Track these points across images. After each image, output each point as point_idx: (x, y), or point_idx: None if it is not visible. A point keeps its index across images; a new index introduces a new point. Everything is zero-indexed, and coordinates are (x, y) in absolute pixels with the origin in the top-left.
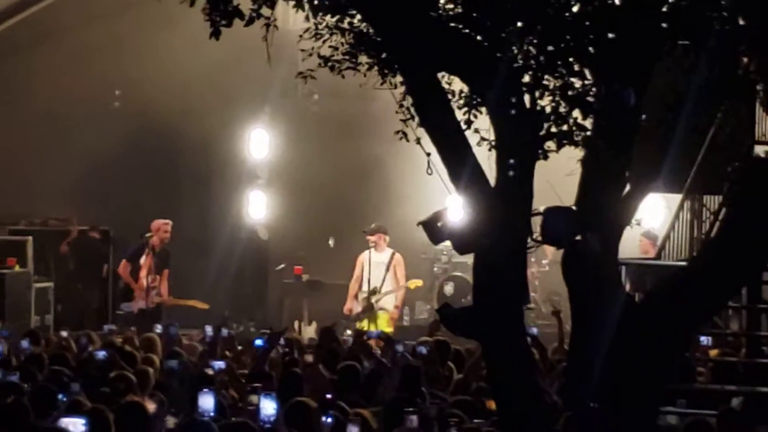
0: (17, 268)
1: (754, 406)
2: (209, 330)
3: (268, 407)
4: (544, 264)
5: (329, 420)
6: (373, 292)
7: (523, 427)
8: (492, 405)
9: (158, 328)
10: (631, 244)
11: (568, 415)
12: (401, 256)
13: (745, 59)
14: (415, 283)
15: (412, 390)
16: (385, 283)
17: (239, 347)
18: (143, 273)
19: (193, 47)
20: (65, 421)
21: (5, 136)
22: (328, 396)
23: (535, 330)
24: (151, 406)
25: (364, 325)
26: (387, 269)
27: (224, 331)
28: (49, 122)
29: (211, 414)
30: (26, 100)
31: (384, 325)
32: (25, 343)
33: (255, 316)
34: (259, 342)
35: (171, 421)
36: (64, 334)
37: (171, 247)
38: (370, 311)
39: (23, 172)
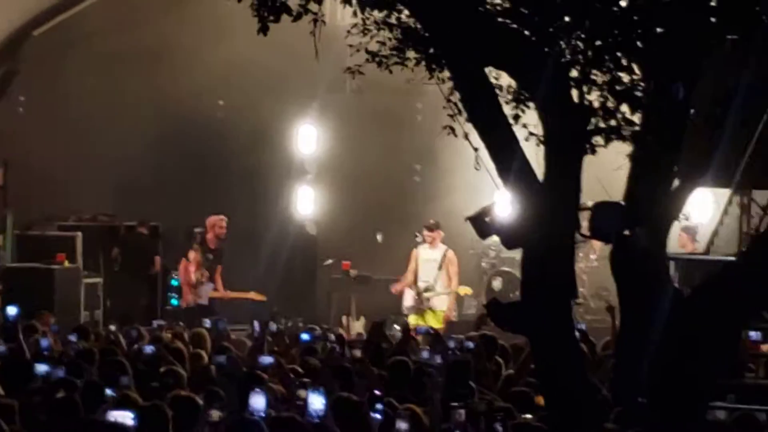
0: (66, 264)
1: None
2: (257, 325)
3: (317, 402)
4: (593, 259)
5: (378, 415)
6: (426, 289)
7: (573, 423)
8: (541, 400)
9: (207, 323)
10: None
11: (618, 411)
12: (454, 254)
13: None
14: (465, 290)
15: (460, 385)
16: (437, 281)
17: (287, 342)
18: (192, 268)
19: (241, 43)
20: (114, 415)
21: (55, 135)
22: (377, 392)
23: (583, 325)
24: (201, 402)
25: (415, 321)
26: (440, 267)
27: (272, 326)
28: (99, 120)
29: (262, 414)
30: (77, 99)
31: (434, 321)
32: (73, 338)
33: (303, 312)
34: (305, 336)
35: (216, 415)
36: (113, 328)
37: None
38: (421, 308)
39: (72, 169)
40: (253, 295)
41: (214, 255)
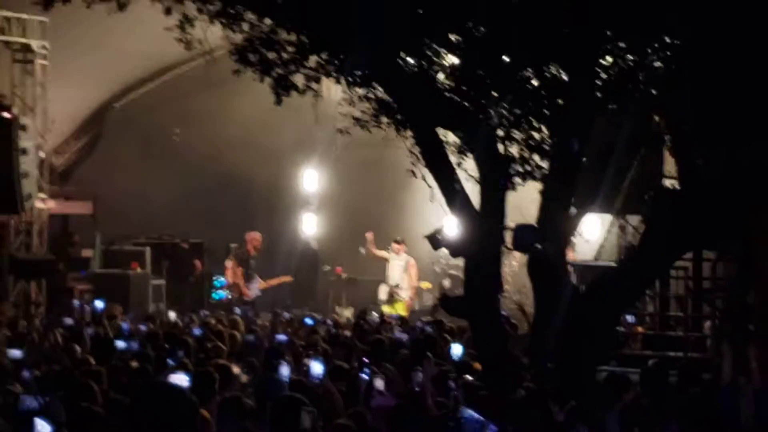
0: (138, 270)
1: (665, 365)
2: (286, 315)
3: (317, 368)
4: (514, 265)
5: (365, 376)
6: (396, 286)
7: (501, 382)
8: (478, 366)
9: (238, 311)
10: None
11: (533, 373)
12: (414, 260)
13: (656, 118)
14: (426, 285)
15: (419, 355)
16: (402, 280)
17: (296, 325)
18: (228, 273)
19: (264, 112)
20: (174, 378)
21: (130, 178)
22: (365, 359)
23: (506, 312)
24: (235, 369)
25: (387, 309)
26: (405, 270)
27: (285, 315)
28: (162, 167)
29: (286, 378)
30: (145, 151)
31: (401, 310)
32: (143, 326)
33: (308, 303)
34: (309, 321)
35: (244, 378)
36: (172, 316)
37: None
38: (392, 300)
39: (143, 202)
40: (283, 278)
41: (255, 260)
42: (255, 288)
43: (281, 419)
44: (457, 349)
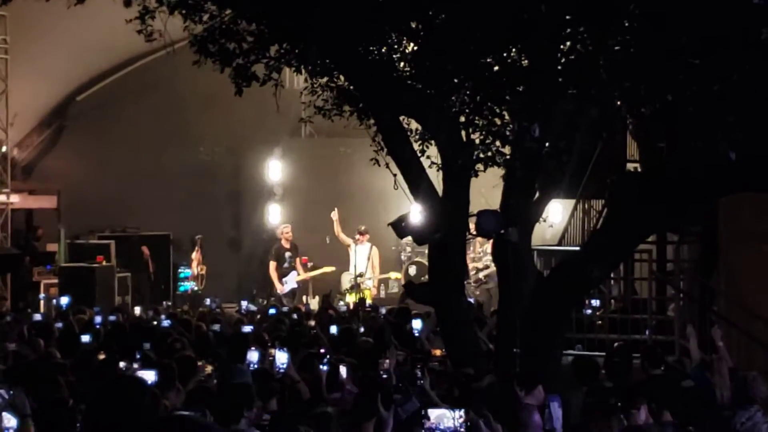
0: (104, 263)
1: (628, 348)
2: (244, 304)
3: (282, 357)
4: (479, 251)
5: (325, 367)
6: (360, 275)
7: (467, 365)
8: (437, 352)
9: (207, 302)
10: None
11: (498, 358)
12: (377, 249)
13: (618, 102)
14: (396, 275)
15: (382, 342)
16: (366, 269)
17: (258, 316)
18: (194, 264)
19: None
20: (141, 374)
21: (94, 171)
22: (322, 350)
23: (472, 299)
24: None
25: (353, 297)
26: (368, 258)
27: (247, 305)
28: (126, 160)
29: (255, 366)
30: (109, 145)
31: (366, 297)
32: (112, 317)
33: (274, 293)
34: (272, 311)
35: (209, 368)
36: (137, 310)
37: (213, 245)
38: (357, 288)
39: (107, 195)
40: (325, 269)
41: (290, 252)
42: (291, 281)
43: None
44: (418, 324)
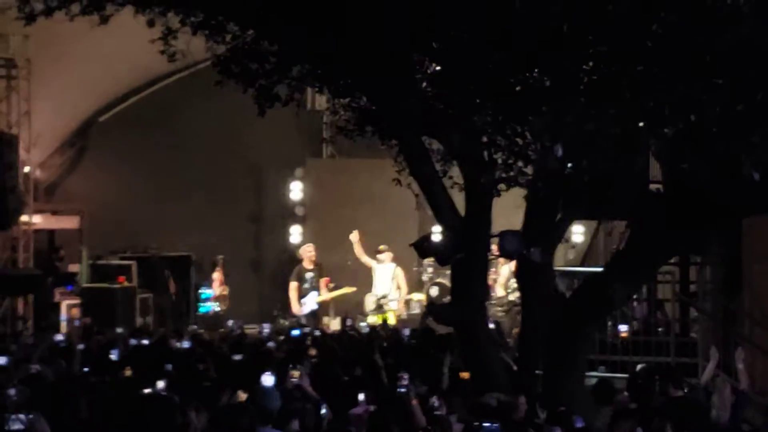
0: (125, 284)
1: (652, 370)
2: (266, 327)
3: (268, 380)
4: (503, 272)
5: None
6: (384, 296)
7: (490, 388)
8: (465, 375)
9: (229, 323)
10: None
11: (520, 379)
12: (401, 269)
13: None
14: (419, 297)
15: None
16: (391, 290)
17: (281, 337)
18: (216, 285)
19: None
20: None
21: (115, 192)
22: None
23: (492, 324)
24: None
25: (378, 319)
26: (392, 279)
27: (270, 328)
28: (148, 181)
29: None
30: (130, 167)
31: (390, 320)
32: (133, 341)
33: (290, 314)
34: (295, 332)
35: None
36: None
37: (235, 266)
38: (380, 309)
39: (129, 216)
40: (346, 289)
41: (313, 272)
42: (311, 302)
43: None
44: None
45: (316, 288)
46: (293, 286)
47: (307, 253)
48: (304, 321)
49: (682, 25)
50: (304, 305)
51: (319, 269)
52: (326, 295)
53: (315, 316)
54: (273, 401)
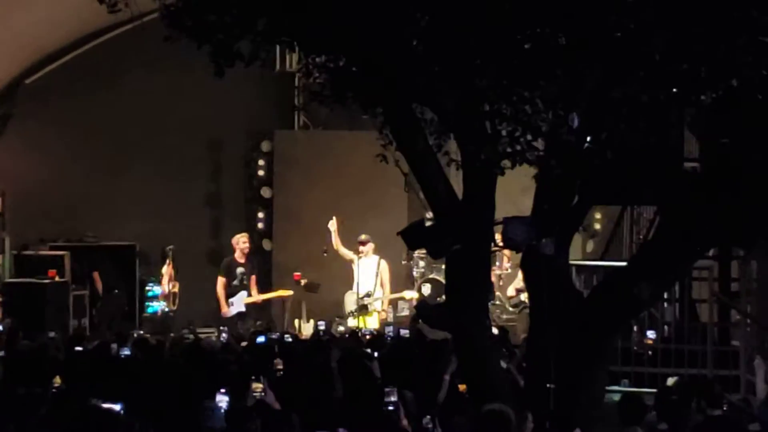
0: (57, 279)
1: (686, 385)
2: (224, 331)
3: (222, 400)
4: (507, 267)
5: None
6: (367, 295)
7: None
8: (463, 387)
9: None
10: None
11: (528, 394)
12: (386, 263)
13: (674, 89)
14: (411, 295)
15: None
16: (375, 288)
17: (244, 343)
18: (165, 280)
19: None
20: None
21: (45, 168)
22: None
23: (496, 331)
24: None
25: (359, 323)
26: (375, 274)
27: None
28: (83, 155)
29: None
30: (63, 137)
31: (374, 322)
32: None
33: (261, 316)
34: (261, 339)
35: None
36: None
37: (188, 258)
38: (364, 311)
39: (61, 197)
40: (280, 292)
41: (245, 267)
42: (239, 303)
43: None
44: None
45: (246, 287)
46: (221, 282)
47: (241, 244)
48: (230, 326)
49: None
50: (232, 306)
51: (251, 265)
52: (257, 297)
53: (243, 319)
54: (216, 422)
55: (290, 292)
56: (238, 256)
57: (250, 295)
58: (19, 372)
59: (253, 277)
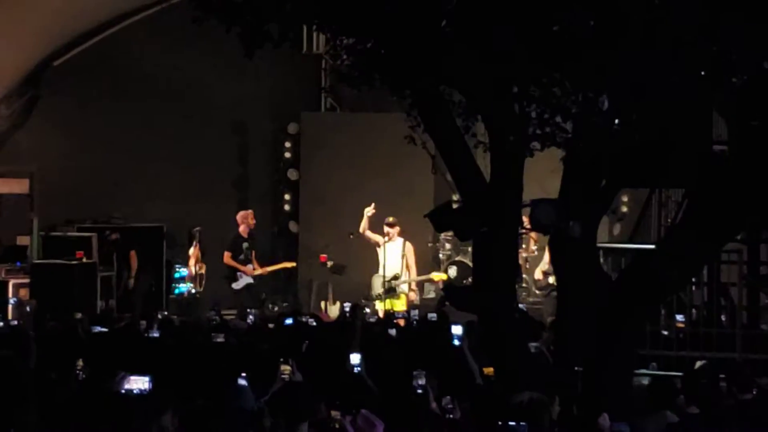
0: (84, 260)
1: (714, 368)
2: (250, 315)
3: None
4: (534, 249)
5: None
6: (394, 277)
7: (515, 385)
8: (490, 370)
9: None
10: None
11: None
12: (411, 245)
13: (702, 73)
14: (440, 276)
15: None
16: (402, 270)
17: (270, 325)
18: (192, 262)
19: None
20: (133, 381)
21: (72, 150)
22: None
23: (524, 306)
24: None
25: (387, 305)
26: (401, 257)
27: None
28: (112, 138)
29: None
30: (91, 120)
31: (400, 305)
32: (97, 327)
33: (287, 298)
34: (288, 321)
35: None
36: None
37: (214, 240)
38: (392, 294)
39: (89, 179)
40: (285, 264)
41: (248, 242)
42: (244, 277)
43: None
44: (458, 331)
45: (250, 260)
46: (227, 255)
47: (250, 220)
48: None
49: None
50: (241, 278)
51: (253, 240)
52: (262, 269)
53: (250, 291)
54: (245, 402)
55: (292, 264)
56: (243, 231)
57: (254, 268)
58: (48, 354)
59: (254, 251)
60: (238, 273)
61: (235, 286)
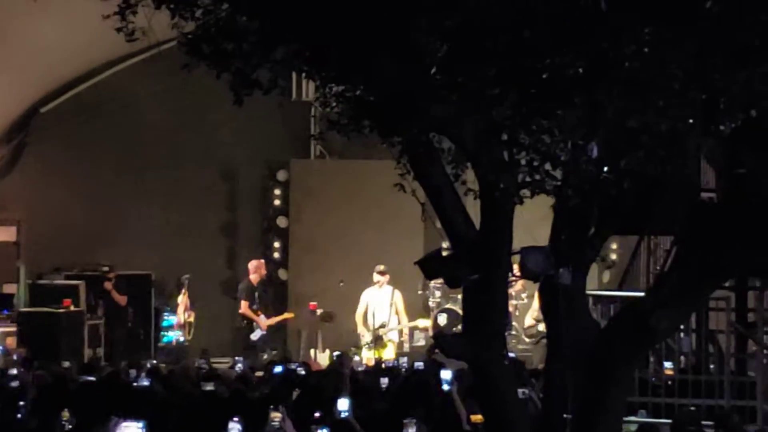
0: (72, 308)
1: (699, 414)
2: (239, 363)
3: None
4: (523, 297)
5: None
6: (382, 326)
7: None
8: (479, 418)
9: (197, 362)
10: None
11: (545, 425)
12: (400, 293)
13: (690, 120)
14: (425, 324)
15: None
16: (390, 318)
17: (259, 373)
18: (180, 309)
19: (226, 117)
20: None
21: (59, 199)
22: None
23: (513, 353)
24: None
25: (373, 353)
26: (390, 305)
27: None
28: (98, 185)
29: None
30: (77, 167)
31: (390, 353)
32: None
33: (277, 345)
34: (278, 369)
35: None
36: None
37: (203, 287)
38: (379, 342)
39: (76, 227)
40: (286, 315)
41: (260, 293)
42: (259, 328)
43: None
44: (447, 375)
45: (260, 311)
46: (245, 305)
47: (262, 269)
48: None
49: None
50: (256, 329)
51: (264, 290)
52: (270, 320)
53: (265, 344)
54: None
55: (291, 315)
56: (254, 280)
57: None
58: (36, 405)
59: (266, 303)
60: (254, 324)
61: (254, 336)
